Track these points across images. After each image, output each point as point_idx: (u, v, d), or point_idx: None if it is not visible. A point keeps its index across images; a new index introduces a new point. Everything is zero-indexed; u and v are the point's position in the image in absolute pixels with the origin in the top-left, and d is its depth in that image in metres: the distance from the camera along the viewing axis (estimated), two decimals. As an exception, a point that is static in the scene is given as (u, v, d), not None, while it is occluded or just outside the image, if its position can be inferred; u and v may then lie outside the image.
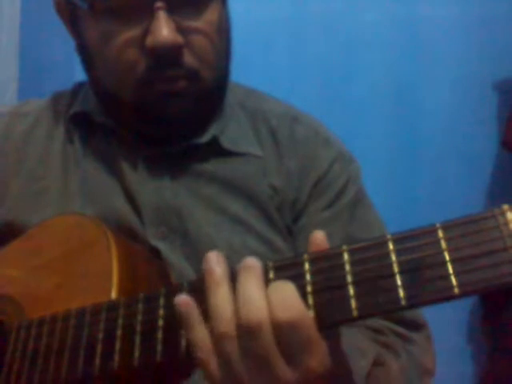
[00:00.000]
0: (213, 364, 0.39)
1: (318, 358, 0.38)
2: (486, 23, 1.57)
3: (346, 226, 0.67)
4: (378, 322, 0.63)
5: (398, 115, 1.58)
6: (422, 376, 0.62)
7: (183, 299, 0.40)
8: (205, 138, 0.65)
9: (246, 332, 0.37)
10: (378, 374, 0.57)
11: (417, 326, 0.65)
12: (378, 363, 0.57)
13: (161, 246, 0.61)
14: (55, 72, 1.49)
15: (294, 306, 0.37)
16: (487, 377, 1.43)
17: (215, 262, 0.40)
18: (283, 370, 0.38)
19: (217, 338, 0.38)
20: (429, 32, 1.59)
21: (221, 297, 0.39)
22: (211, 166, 0.66)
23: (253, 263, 0.40)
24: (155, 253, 0.61)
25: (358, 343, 0.57)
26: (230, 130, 0.68)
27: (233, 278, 0.40)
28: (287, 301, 0.38)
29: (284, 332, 0.37)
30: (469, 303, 1.54)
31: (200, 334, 0.39)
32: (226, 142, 0.66)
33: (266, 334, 0.37)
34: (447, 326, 1.41)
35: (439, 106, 1.57)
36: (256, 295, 0.38)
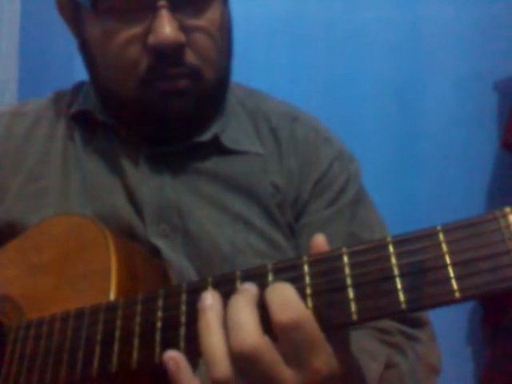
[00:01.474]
0: None
1: (323, 358, 0.37)
2: (486, 23, 1.57)
3: (348, 224, 0.67)
4: (384, 322, 0.63)
5: (398, 115, 1.58)
6: (430, 375, 0.62)
7: (175, 355, 0.40)
8: (206, 137, 0.65)
9: (243, 360, 0.37)
10: (390, 376, 0.57)
11: (421, 323, 0.65)
12: (389, 365, 0.57)
13: (161, 244, 0.61)
14: (55, 72, 1.49)
15: (295, 306, 0.37)
16: (487, 377, 1.43)
17: (209, 305, 0.40)
18: (287, 374, 0.38)
19: (213, 382, 0.38)
20: (429, 32, 1.59)
21: (215, 338, 0.39)
22: (212, 164, 0.66)
23: (248, 287, 0.40)
24: (155, 251, 0.61)
25: (366, 346, 0.57)
26: (231, 128, 0.68)
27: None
28: (287, 302, 0.37)
29: (287, 333, 0.37)
30: (468, 304, 1.54)
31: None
32: (227, 141, 0.66)
33: (264, 355, 0.37)
34: (447, 326, 1.41)
35: (439, 106, 1.57)
36: (245, 320, 0.38)
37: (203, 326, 0.39)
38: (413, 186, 1.55)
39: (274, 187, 0.66)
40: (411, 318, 0.64)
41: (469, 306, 1.54)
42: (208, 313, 0.39)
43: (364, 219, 0.69)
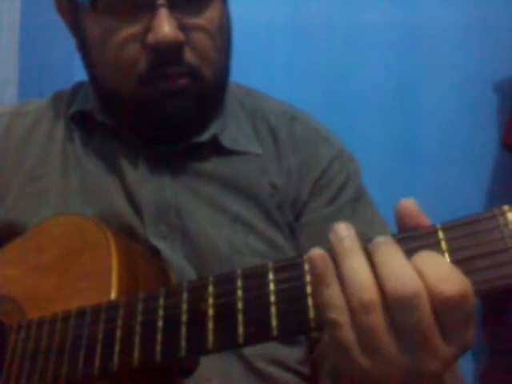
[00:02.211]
0: (346, 326, 0.35)
1: (473, 329, 0.35)
2: (486, 23, 1.57)
3: (347, 221, 0.67)
4: None
5: (398, 116, 1.57)
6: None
7: (320, 253, 0.36)
8: (205, 137, 0.65)
9: (399, 305, 0.33)
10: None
11: None
12: None
13: (161, 245, 0.61)
14: (55, 72, 1.49)
15: (459, 277, 0.34)
16: (487, 377, 1.43)
17: (346, 234, 0.37)
18: (440, 345, 0.34)
19: (358, 307, 0.34)
20: (429, 32, 1.59)
21: (358, 262, 0.35)
22: (211, 164, 0.66)
23: (387, 238, 0.36)
24: (155, 252, 0.61)
25: None
26: (230, 128, 0.68)
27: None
28: (450, 274, 0.34)
29: (447, 307, 0.33)
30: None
31: (336, 293, 0.35)
32: (226, 141, 0.66)
33: (424, 307, 0.33)
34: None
35: (439, 107, 1.57)
36: (405, 267, 0.34)
37: (344, 250, 0.36)
38: (413, 186, 1.55)
39: (272, 187, 0.66)
40: None
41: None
42: (346, 240, 0.36)
43: (364, 217, 0.69)
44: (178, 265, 0.61)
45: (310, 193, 0.67)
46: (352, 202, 0.68)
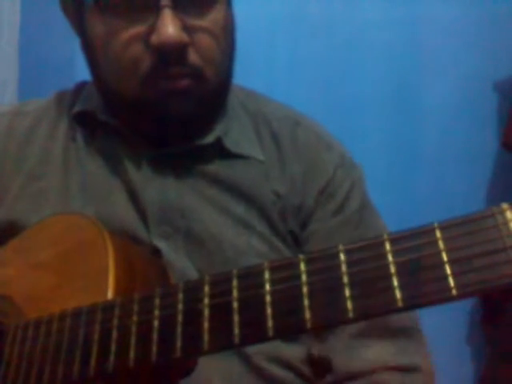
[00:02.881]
0: None
1: None
2: (486, 23, 1.57)
3: (355, 230, 0.67)
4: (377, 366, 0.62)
5: (397, 115, 1.57)
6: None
7: None
8: (209, 139, 0.65)
9: None
10: None
11: (409, 332, 0.64)
12: None
13: (163, 245, 0.61)
14: (55, 72, 1.49)
15: None
16: (487, 379, 1.43)
17: None
18: None
19: None
20: (429, 32, 1.58)
21: None
22: (214, 167, 0.66)
23: None
24: (157, 252, 0.61)
25: None
26: (234, 131, 0.68)
27: None
28: None
29: None
30: (468, 304, 1.54)
31: None
32: (229, 144, 0.66)
33: None
34: (447, 326, 1.41)
35: (439, 106, 1.57)
36: None
37: None
38: (413, 186, 1.55)
39: (275, 195, 0.66)
40: (400, 327, 0.64)
41: (469, 306, 1.54)
42: None
43: (370, 225, 0.69)
44: (182, 266, 0.61)
45: (316, 202, 0.67)
46: (358, 212, 0.68)
